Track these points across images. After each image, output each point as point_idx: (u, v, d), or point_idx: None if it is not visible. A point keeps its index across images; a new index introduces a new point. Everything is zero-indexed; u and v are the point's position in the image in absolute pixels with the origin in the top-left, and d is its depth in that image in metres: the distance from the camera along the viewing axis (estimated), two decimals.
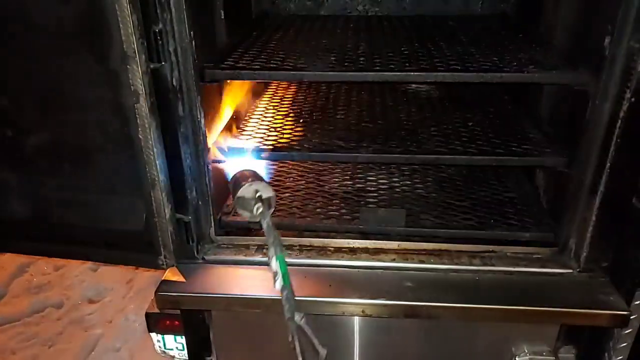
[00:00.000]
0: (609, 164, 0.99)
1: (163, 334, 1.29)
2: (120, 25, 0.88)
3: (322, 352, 0.80)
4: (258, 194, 0.92)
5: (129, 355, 2.25)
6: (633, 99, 0.91)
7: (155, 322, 1.27)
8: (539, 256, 1.15)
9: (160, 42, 0.95)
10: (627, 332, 1.10)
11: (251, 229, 1.21)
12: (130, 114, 0.96)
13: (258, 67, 1.09)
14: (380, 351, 1.23)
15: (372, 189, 1.36)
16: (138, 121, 0.96)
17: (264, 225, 0.89)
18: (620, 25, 0.90)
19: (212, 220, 1.17)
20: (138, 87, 0.94)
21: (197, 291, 1.10)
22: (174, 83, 0.99)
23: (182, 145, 1.05)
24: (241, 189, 0.93)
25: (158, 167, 1.02)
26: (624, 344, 1.12)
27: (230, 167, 1.15)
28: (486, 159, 1.10)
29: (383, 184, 1.38)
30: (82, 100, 0.97)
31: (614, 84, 0.94)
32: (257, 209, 0.92)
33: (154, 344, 1.31)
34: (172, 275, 1.13)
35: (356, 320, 1.19)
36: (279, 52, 1.19)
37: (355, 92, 1.48)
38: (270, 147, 1.18)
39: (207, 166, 1.12)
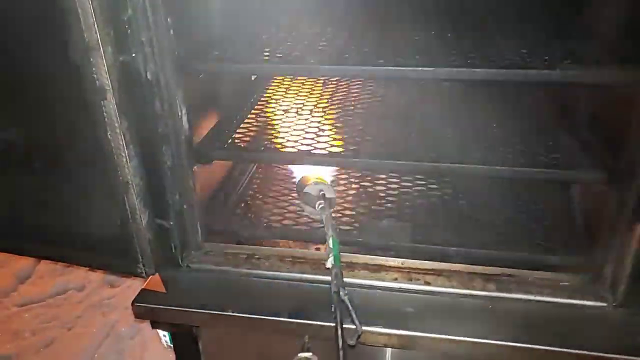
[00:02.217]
0: None
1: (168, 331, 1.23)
2: (80, 12, 0.78)
3: (359, 328, 0.87)
4: (322, 193, 1.06)
5: (141, 345, 2.24)
6: None
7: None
8: (566, 284, 0.98)
9: (129, 31, 0.84)
10: None
11: (241, 236, 1.11)
12: (97, 112, 0.86)
13: (246, 59, 0.96)
14: None
15: (381, 194, 1.23)
16: (106, 120, 0.87)
17: (324, 216, 1.02)
18: None
19: (198, 226, 1.08)
20: (104, 83, 0.84)
21: (177, 304, 1.01)
22: (149, 77, 0.89)
23: (161, 146, 0.95)
24: (308, 185, 1.07)
25: (132, 170, 0.93)
26: None
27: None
28: (505, 170, 0.94)
29: (392, 189, 1.23)
30: (47, 97, 0.88)
31: None
32: (319, 205, 1.04)
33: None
34: (152, 284, 1.05)
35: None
36: (279, 39, 1.07)
37: (359, 87, 1.33)
38: (261, 148, 1.06)
39: (192, 168, 1.02)
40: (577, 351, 0.88)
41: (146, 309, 1.02)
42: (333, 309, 0.88)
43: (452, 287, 0.99)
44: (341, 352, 0.84)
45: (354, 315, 0.87)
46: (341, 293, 0.89)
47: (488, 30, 1.09)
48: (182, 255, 1.07)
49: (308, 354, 0.98)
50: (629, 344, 0.88)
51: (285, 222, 1.16)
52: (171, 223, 1.02)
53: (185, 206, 1.04)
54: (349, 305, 0.88)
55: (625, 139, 0.88)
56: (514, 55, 0.92)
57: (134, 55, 0.86)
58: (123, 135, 0.89)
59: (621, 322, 0.92)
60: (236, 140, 1.11)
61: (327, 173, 1.20)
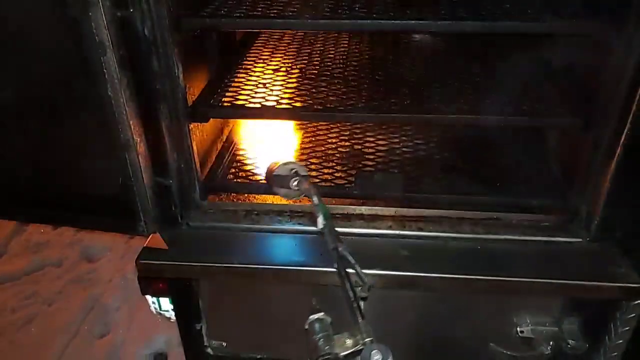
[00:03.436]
0: (629, 126, 0.89)
1: (157, 297, 1.25)
2: None
3: (367, 281, 0.86)
4: (294, 171, 1.02)
5: (128, 314, 2.24)
6: None
7: (147, 285, 1.22)
8: (546, 224, 1.07)
9: None
10: (637, 303, 1.03)
11: (239, 193, 1.14)
12: (97, 68, 0.86)
13: (241, 15, 0.97)
14: (382, 321, 1.18)
15: (370, 150, 1.27)
16: (107, 77, 0.87)
17: (302, 187, 0.99)
18: None
19: (197, 184, 1.10)
20: (104, 38, 0.84)
21: (181, 260, 1.04)
22: (146, 34, 0.89)
23: (158, 103, 0.96)
24: (277, 167, 1.02)
25: (132, 127, 0.93)
26: (632, 315, 1.06)
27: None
28: (493, 119, 1.00)
29: (382, 144, 1.28)
30: (42, 52, 0.87)
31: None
32: (294, 181, 1.00)
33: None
34: (154, 242, 1.07)
35: None
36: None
37: (353, 44, 1.35)
38: (258, 105, 1.08)
39: (189, 126, 1.03)
40: (556, 281, 0.98)
41: (150, 265, 1.04)
42: (336, 266, 0.88)
43: (443, 231, 1.06)
44: (355, 305, 0.82)
45: (358, 270, 0.87)
46: (340, 249, 0.89)
47: None
48: (182, 213, 1.09)
49: (320, 314, 0.96)
50: (600, 271, 0.98)
51: None
52: (170, 181, 1.04)
53: (183, 164, 1.05)
54: (351, 259, 0.88)
55: (598, 88, 0.95)
56: (498, 10, 0.96)
57: (131, 10, 0.86)
58: (123, 92, 0.89)
59: (594, 254, 1.02)
60: (229, 98, 1.12)
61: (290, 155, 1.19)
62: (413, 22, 0.92)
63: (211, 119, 1.12)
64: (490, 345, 1.14)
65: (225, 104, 1.11)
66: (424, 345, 1.19)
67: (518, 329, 1.13)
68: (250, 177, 1.19)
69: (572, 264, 1.00)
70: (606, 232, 1.02)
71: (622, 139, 0.91)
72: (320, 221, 0.92)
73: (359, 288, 0.87)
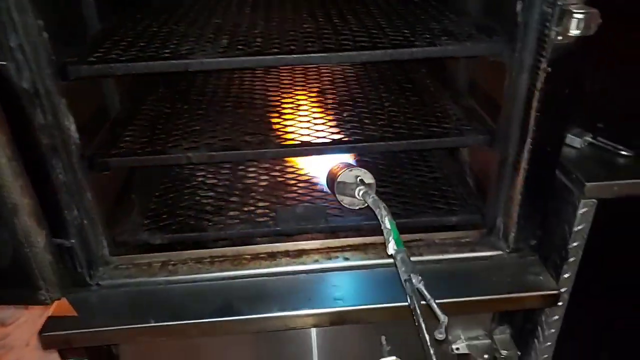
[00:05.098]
0: (530, 139, 0.92)
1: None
2: None
3: (443, 318, 0.76)
4: (359, 178, 0.99)
5: None
6: (550, 69, 0.84)
7: (64, 355, 1.10)
8: (467, 240, 1.09)
9: None
10: (559, 307, 1.07)
11: (152, 244, 1.06)
12: None
13: (133, 57, 0.91)
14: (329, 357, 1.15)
15: (292, 182, 1.24)
16: None
17: (369, 200, 0.95)
18: None
19: (104, 240, 1.01)
20: None
21: (93, 326, 0.94)
22: (25, 86, 0.81)
23: (49, 159, 0.87)
24: (341, 174, 0.99)
25: (19, 189, 0.84)
26: (556, 317, 1.10)
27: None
28: (403, 144, 1.00)
29: (302, 174, 1.26)
30: None
31: (529, 53, 0.86)
32: (359, 191, 0.97)
33: None
34: (60, 309, 0.97)
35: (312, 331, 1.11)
36: (163, 36, 1.02)
37: (260, 77, 1.33)
38: (158, 148, 1.01)
39: (87, 179, 0.95)
40: (480, 297, 0.99)
41: (57, 337, 0.94)
42: (408, 301, 0.80)
43: (369, 258, 1.05)
44: (429, 349, 0.74)
45: (434, 305, 0.78)
46: (414, 280, 0.79)
47: (371, 15, 1.15)
48: (90, 273, 1.00)
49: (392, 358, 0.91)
50: (520, 282, 1.01)
51: (196, 222, 1.12)
52: (72, 241, 0.95)
53: (85, 221, 0.96)
54: (426, 294, 0.79)
55: (500, 105, 0.98)
56: (398, 36, 0.98)
57: (4, 63, 0.78)
58: (3, 151, 0.80)
59: (515, 265, 1.05)
60: (130, 143, 1.04)
61: (348, 158, 1.13)
62: (315, 55, 0.91)
63: None
64: None
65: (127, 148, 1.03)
66: None
67: (453, 346, 1.14)
68: (167, 225, 1.12)
69: (495, 278, 1.02)
70: (523, 242, 1.05)
71: (525, 152, 0.94)
72: (392, 246, 0.84)
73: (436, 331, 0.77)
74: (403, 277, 0.81)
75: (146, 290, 1.01)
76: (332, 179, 1.01)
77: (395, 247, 0.84)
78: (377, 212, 0.91)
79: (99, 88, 1.11)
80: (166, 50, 0.94)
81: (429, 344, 0.75)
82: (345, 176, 0.98)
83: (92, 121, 1.04)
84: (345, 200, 0.99)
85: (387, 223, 0.86)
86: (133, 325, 0.95)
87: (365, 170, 1.00)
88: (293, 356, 1.16)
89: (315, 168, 1.23)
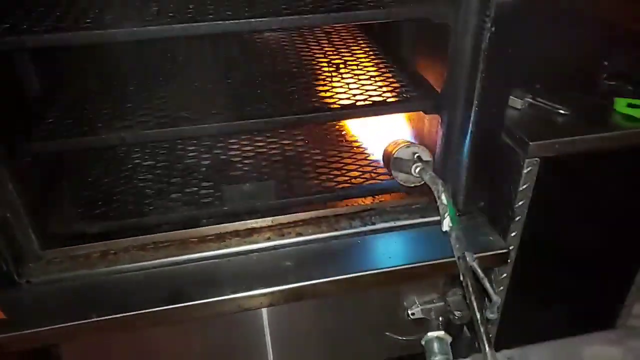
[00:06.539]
0: (476, 102, 0.92)
1: None
2: None
3: (496, 298, 0.78)
4: (416, 155, 0.98)
5: None
6: (494, 29, 0.83)
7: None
8: (418, 206, 1.09)
9: None
10: (507, 264, 1.10)
11: (89, 234, 0.98)
12: None
13: (50, 27, 0.81)
14: (284, 338, 1.12)
15: (236, 159, 1.19)
16: None
17: (426, 177, 0.94)
18: None
19: (33, 233, 0.92)
20: None
21: (24, 327, 0.86)
22: None
23: None
24: (398, 149, 0.98)
25: None
26: (504, 275, 1.14)
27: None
28: (351, 113, 0.98)
29: (247, 151, 1.20)
30: None
31: (473, 13, 0.85)
32: (416, 167, 0.97)
33: None
34: None
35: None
36: (82, 4, 0.92)
37: (197, 48, 1.25)
38: (86, 129, 0.92)
39: (8, 168, 0.84)
40: (436, 261, 0.99)
41: None
42: (462, 278, 0.79)
43: (322, 232, 1.03)
44: (482, 328, 0.72)
45: (487, 285, 0.78)
46: (468, 258, 0.79)
47: None
48: (18, 271, 0.91)
49: (440, 333, 0.91)
50: (473, 243, 0.99)
51: (136, 207, 1.04)
52: None
53: (8, 214, 0.87)
54: (479, 272, 0.78)
55: (444, 69, 0.97)
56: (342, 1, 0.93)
57: None
58: None
59: (465, 228, 1.04)
60: (54, 125, 0.94)
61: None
62: (254, 20, 0.85)
63: None
64: (387, 335, 1.14)
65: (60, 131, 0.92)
66: (325, 352, 1.16)
67: (409, 311, 1.15)
68: (103, 212, 1.03)
69: (445, 242, 1.03)
70: (472, 204, 1.06)
71: (472, 114, 0.94)
72: (447, 222, 0.84)
73: (486, 310, 0.77)
74: (457, 254, 0.81)
75: (85, 283, 0.93)
76: (388, 155, 1.01)
77: (451, 224, 0.85)
78: (433, 188, 0.92)
79: (11, 65, 0.99)
80: (87, 20, 0.85)
81: (479, 322, 0.75)
82: (403, 152, 0.98)
83: (5, 102, 0.92)
84: (401, 177, 0.99)
85: (443, 199, 0.87)
86: (72, 322, 0.87)
87: (424, 147, 1.00)
88: (245, 340, 1.13)
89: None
